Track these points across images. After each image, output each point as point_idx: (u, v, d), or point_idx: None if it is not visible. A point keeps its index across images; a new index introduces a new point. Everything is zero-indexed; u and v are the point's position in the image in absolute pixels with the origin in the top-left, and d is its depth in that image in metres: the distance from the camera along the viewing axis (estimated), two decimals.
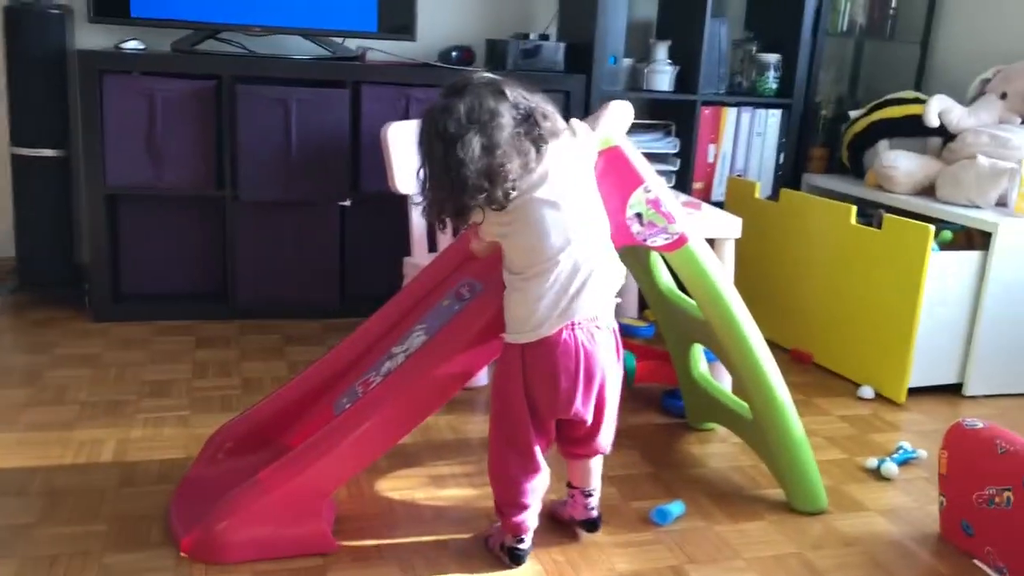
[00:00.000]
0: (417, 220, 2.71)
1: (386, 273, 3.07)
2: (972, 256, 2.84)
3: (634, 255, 2.39)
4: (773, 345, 2.18)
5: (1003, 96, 3.18)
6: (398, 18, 3.27)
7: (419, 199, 1.73)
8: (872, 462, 2.40)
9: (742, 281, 2.55)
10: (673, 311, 2.41)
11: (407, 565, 1.83)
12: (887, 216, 2.88)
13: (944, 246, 2.95)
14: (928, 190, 3.20)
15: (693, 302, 2.20)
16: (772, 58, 3.62)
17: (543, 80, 3.10)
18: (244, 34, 3.23)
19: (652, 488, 2.22)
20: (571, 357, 1.70)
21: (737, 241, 2.62)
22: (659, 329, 2.58)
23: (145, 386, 2.62)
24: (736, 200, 3.47)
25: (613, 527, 2.02)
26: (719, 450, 2.46)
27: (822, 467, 2.23)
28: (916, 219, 2.83)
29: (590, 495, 1.92)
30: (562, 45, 3.36)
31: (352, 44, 3.35)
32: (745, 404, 2.24)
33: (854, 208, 3.00)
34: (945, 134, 3.25)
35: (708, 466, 2.36)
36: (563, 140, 1.71)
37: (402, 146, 2.66)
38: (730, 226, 2.60)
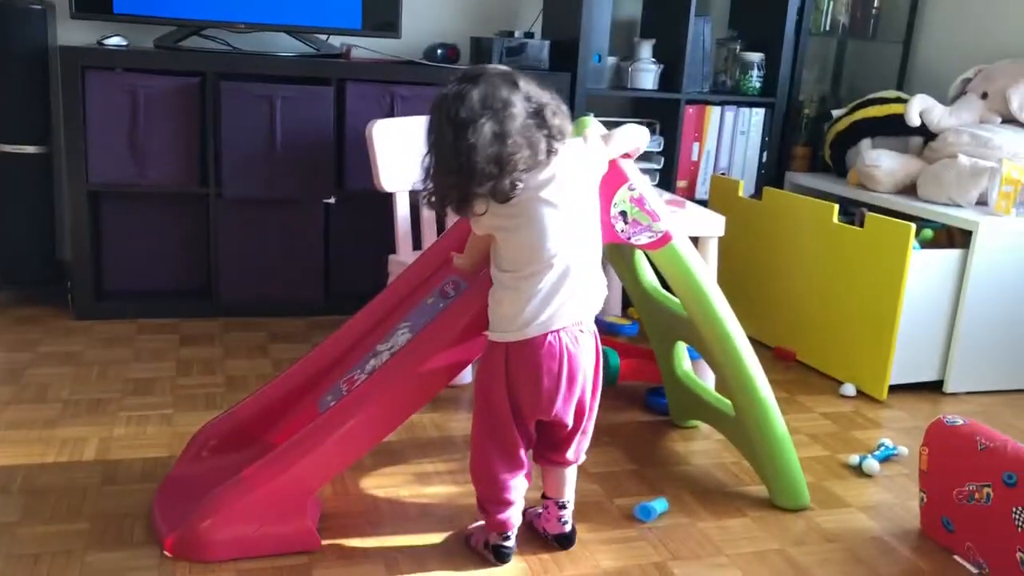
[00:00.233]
0: (402, 218, 2.71)
1: (371, 271, 3.06)
2: (953, 254, 2.87)
3: (618, 253, 2.40)
4: (756, 343, 2.20)
5: (984, 96, 3.21)
6: (383, 15, 3.26)
7: (422, 187, 1.71)
8: (854, 459, 2.42)
9: (725, 279, 2.57)
10: (657, 309, 2.42)
11: (392, 563, 1.83)
12: (869, 215, 2.90)
13: (925, 244, 2.97)
14: (910, 189, 3.23)
15: (677, 300, 2.21)
16: (756, 57, 3.63)
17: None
18: (228, 31, 3.21)
19: (636, 485, 2.23)
20: (555, 359, 1.71)
21: (720, 239, 2.63)
22: (643, 327, 2.59)
23: (128, 384, 2.61)
24: (720, 198, 3.49)
25: (597, 524, 2.02)
26: (702, 447, 2.47)
27: (804, 464, 2.25)
28: (898, 218, 2.85)
29: (564, 507, 1.91)
30: (547, 43, 3.36)
31: (336, 41, 3.34)
32: (728, 402, 2.25)
33: (836, 207, 3.02)
34: (926, 133, 3.27)
35: (691, 463, 2.37)
36: (575, 146, 1.71)
37: (387, 144, 2.65)
38: (714, 224, 2.61)
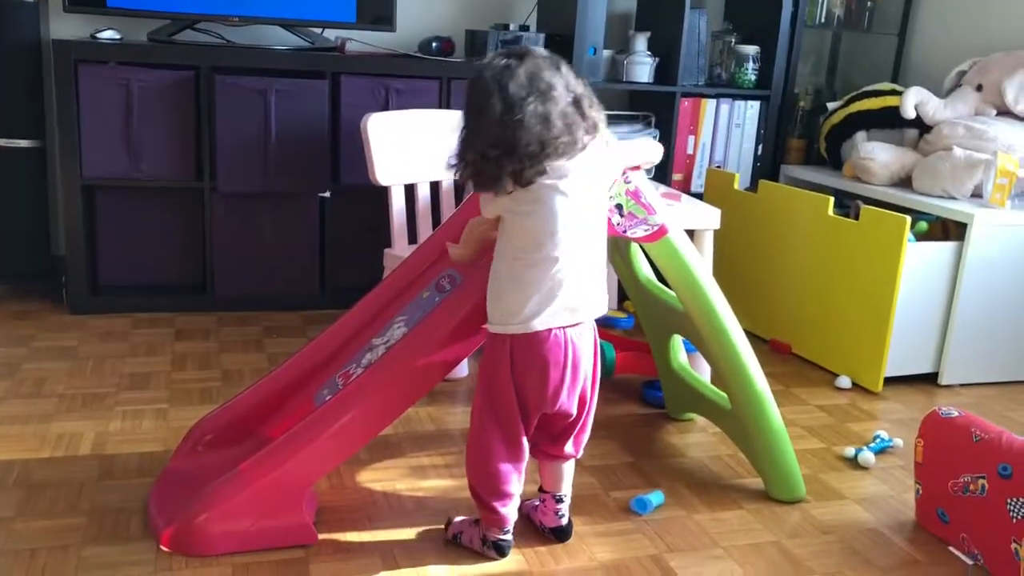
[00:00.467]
0: (397, 211, 2.71)
1: (366, 265, 3.06)
2: (948, 247, 2.87)
3: (614, 246, 2.40)
4: (752, 336, 2.20)
5: (979, 88, 3.21)
6: (377, 8, 3.25)
7: (454, 158, 1.68)
8: (849, 451, 2.42)
9: (721, 272, 2.57)
10: (653, 302, 2.42)
11: (389, 556, 1.83)
12: (864, 207, 2.91)
13: (920, 237, 2.98)
14: (905, 181, 3.23)
15: (673, 293, 2.22)
16: (751, 50, 3.63)
17: None
18: (222, 24, 3.20)
19: (632, 478, 2.23)
20: (560, 349, 1.70)
21: (716, 232, 2.63)
22: (639, 320, 2.59)
23: (124, 379, 2.60)
24: (715, 191, 3.49)
25: (593, 517, 2.03)
26: (698, 440, 2.48)
27: (800, 456, 2.25)
28: (893, 210, 2.85)
29: (561, 500, 1.91)
30: (542, 36, 3.35)
31: (331, 35, 3.33)
32: (724, 394, 2.26)
33: (831, 199, 3.03)
34: (922, 126, 3.28)
35: (687, 456, 2.38)
36: (598, 146, 1.71)
37: (382, 137, 2.65)
38: (709, 217, 2.61)
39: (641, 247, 2.20)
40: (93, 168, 3.01)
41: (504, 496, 1.80)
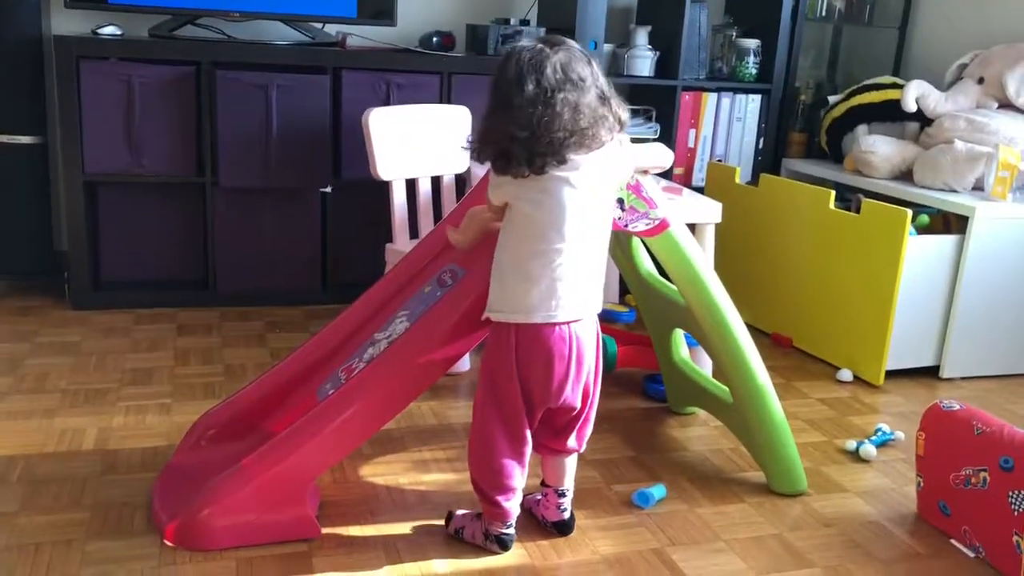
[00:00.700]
0: (399, 206, 2.71)
1: (368, 259, 3.06)
2: (949, 240, 2.87)
3: (615, 240, 2.40)
4: (753, 329, 2.21)
5: (980, 81, 3.20)
6: (378, 3, 3.25)
7: (475, 136, 1.68)
8: (851, 444, 2.43)
9: (722, 266, 2.57)
10: (654, 296, 2.42)
11: (391, 550, 1.84)
12: (865, 201, 2.90)
13: (921, 230, 2.98)
14: (906, 175, 3.23)
15: (674, 287, 2.22)
16: (752, 43, 3.63)
17: None
18: (223, 19, 3.20)
19: (634, 472, 2.23)
20: (565, 342, 1.71)
21: (717, 226, 2.63)
22: (640, 314, 2.59)
23: (126, 374, 2.61)
24: (716, 185, 3.49)
25: (595, 511, 2.03)
26: (700, 434, 2.48)
27: (801, 449, 2.25)
28: (894, 203, 2.85)
29: (563, 495, 1.92)
30: (542, 30, 3.35)
31: (332, 29, 3.33)
32: (726, 388, 2.26)
33: (833, 193, 3.03)
34: (923, 119, 3.27)
35: (689, 449, 2.38)
36: (614, 146, 1.71)
37: (383, 132, 2.65)
38: (710, 211, 2.61)
39: (643, 241, 2.20)
40: (95, 164, 3.01)
41: (507, 490, 1.80)
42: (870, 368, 2.89)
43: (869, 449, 2.38)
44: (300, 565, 1.76)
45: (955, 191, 3.01)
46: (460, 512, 1.92)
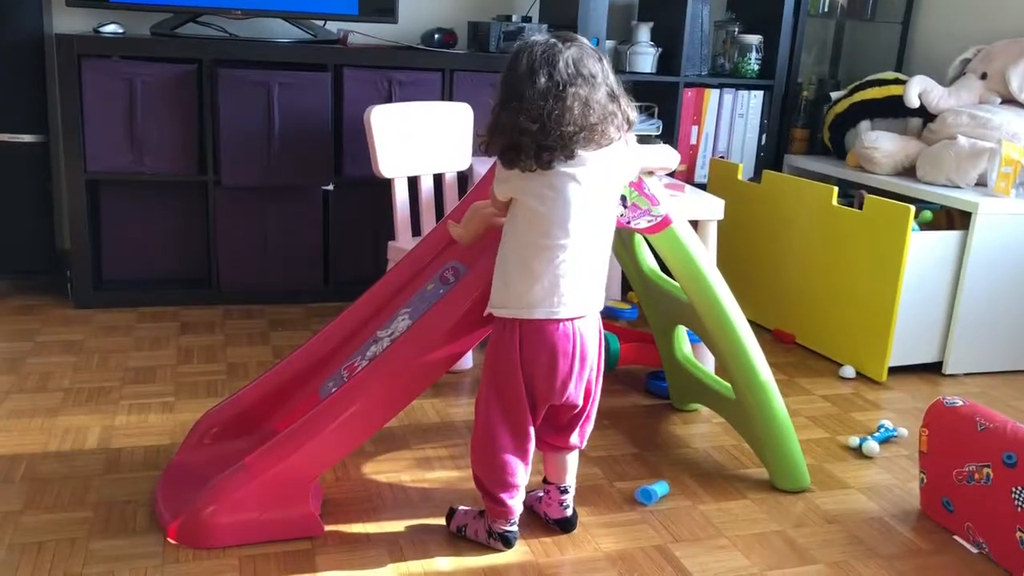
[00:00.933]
0: (401, 204, 2.71)
1: (370, 257, 3.07)
2: (952, 236, 2.86)
3: (618, 237, 2.39)
4: (755, 326, 2.20)
5: (983, 76, 3.20)
6: (379, 0, 3.25)
7: (486, 130, 1.68)
8: (854, 441, 2.42)
9: (725, 262, 2.57)
10: (657, 293, 2.42)
11: (394, 548, 1.84)
12: (868, 197, 2.90)
13: (924, 226, 2.97)
14: (909, 170, 3.22)
15: (676, 284, 2.22)
16: (754, 39, 3.62)
17: None
18: (224, 17, 3.20)
19: (636, 468, 2.23)
20: (569, 339, 1.71)
21: (720, 223, 2.63)
22: (643, 311, 2.59)
23: (129, 372, 2.61)
24: (719, 182, 3.49)
25: (598, 508, 2.03)
26: (703, 430, 2.48)
27: (804, 446, 2.25)
28: (897, 199, 2.84)
29: (565, 492, 1.92)
30: (544, 27, 3.35)
31: (333, 27, 3.33)
32: (728, 385, 2.26)
33: (835, 189, 3.02)
34: (925, 114, 3.27)
35: (692, 446, 2.38)
36: (621, 145, 1.71)
37: (385, 130, 2.65)
38: (713, 208, 2.61)
39: (645, 238, 2.20)
40: (97, 162, 3.01)
41: (511, 487, 1.80)
42: (873, 364, 2.89)
43: (872, 445, 2.38)
44: (303, 563, 1.76)
45: (958, 187, 3.01)
46: (461, 509, 1.92)
